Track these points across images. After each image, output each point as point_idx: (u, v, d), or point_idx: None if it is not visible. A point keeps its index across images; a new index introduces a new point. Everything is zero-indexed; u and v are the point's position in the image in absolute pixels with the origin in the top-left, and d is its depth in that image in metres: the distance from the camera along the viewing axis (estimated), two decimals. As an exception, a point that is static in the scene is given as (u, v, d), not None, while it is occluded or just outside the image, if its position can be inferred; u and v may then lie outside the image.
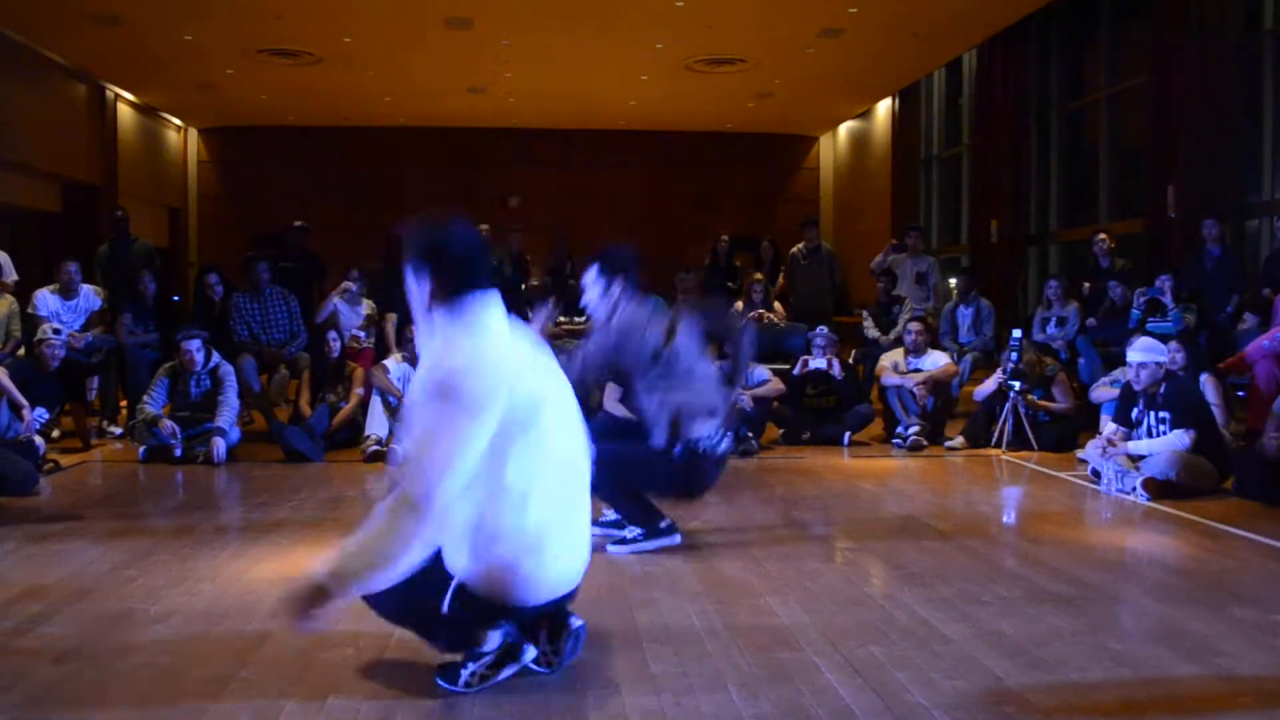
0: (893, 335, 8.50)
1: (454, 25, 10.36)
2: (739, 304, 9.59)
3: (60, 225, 12.38)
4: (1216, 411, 5.89)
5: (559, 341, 8.60)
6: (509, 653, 2.65)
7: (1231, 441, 5.88)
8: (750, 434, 6.81)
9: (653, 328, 4.06)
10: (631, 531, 4.16)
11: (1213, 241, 7.63)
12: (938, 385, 7.24)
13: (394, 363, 6.88)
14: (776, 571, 3.85)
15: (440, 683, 2.64)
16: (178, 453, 6.32)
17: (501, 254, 10.26)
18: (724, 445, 4.12)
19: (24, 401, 5.77)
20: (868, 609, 3.38)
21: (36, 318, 7.41)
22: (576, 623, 2.75)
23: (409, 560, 2.37)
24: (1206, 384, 6.06)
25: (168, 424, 6.35)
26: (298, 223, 10.17)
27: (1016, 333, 6.87)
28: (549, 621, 2.72)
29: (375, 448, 6.42)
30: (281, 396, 7.82)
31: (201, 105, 14.47)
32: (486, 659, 2.64)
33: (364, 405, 6.82)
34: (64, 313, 7.60)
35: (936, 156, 13.99)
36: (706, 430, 4.03)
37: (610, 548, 4.10)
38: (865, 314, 9.12)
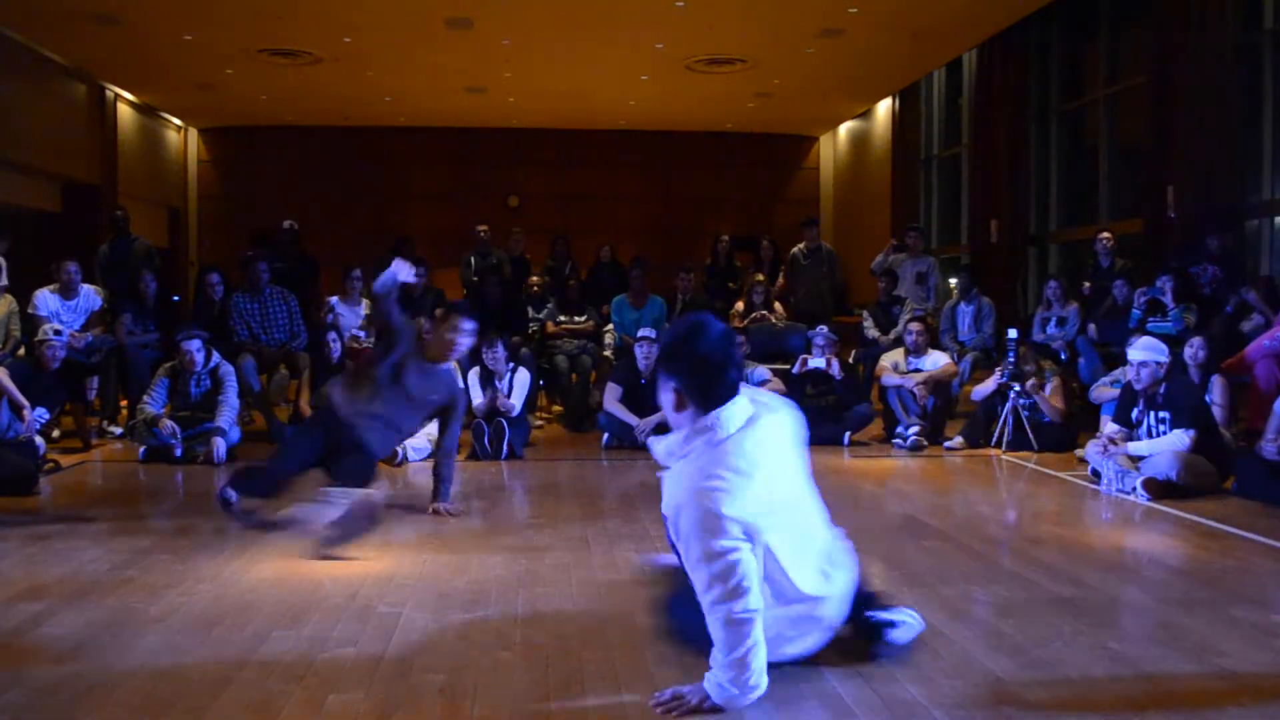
0: (893, 335, 8.50)
1: (454, 25, 10.35)
2: (740, 304, 9.59)
3: (60, 225, 12.35)
4: (1219, 412, 5.89)
5: (558, 341, 8.66)
6: None
7: (1231, 441, 5.87)
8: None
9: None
10: None
11: (1214, 246, 7.65)
12: (938, 385, 7.25)
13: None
14: (776, 571, 3.84)
15: None
16: (178, 453, 6.32)
17: (501, 254, 10.27)
18: None
19: (24, 401, 5.77)
20: (868, 609, 3.37)
21: (37, 318, 7.41)
22: None
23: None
24: (1215, 384, 6.06)
25: (168, 424, 6.35)
26: (286, 223, 10.14)
27: (1012, 332, 6.87)
28: None
29: (375, 448, 6.40)
30: (281, 396, 7.81)
31: (201, 105, 14.45)
32: None
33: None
34: (64, 313, 7.60)
35: (936, 156, 13.97)
36: None
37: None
38: (865, 314, 9.13)
